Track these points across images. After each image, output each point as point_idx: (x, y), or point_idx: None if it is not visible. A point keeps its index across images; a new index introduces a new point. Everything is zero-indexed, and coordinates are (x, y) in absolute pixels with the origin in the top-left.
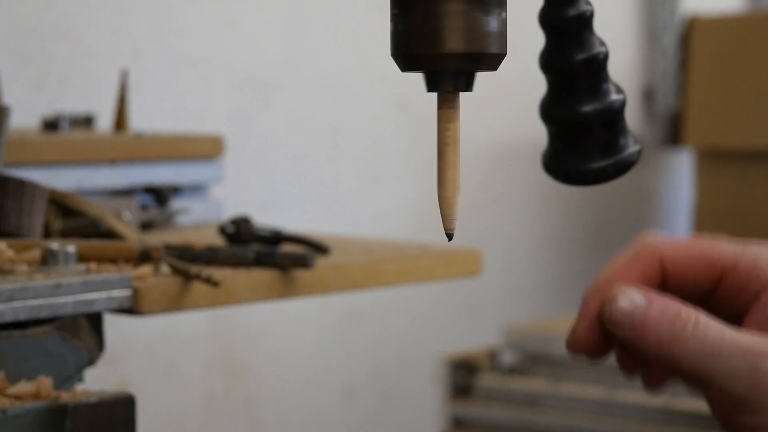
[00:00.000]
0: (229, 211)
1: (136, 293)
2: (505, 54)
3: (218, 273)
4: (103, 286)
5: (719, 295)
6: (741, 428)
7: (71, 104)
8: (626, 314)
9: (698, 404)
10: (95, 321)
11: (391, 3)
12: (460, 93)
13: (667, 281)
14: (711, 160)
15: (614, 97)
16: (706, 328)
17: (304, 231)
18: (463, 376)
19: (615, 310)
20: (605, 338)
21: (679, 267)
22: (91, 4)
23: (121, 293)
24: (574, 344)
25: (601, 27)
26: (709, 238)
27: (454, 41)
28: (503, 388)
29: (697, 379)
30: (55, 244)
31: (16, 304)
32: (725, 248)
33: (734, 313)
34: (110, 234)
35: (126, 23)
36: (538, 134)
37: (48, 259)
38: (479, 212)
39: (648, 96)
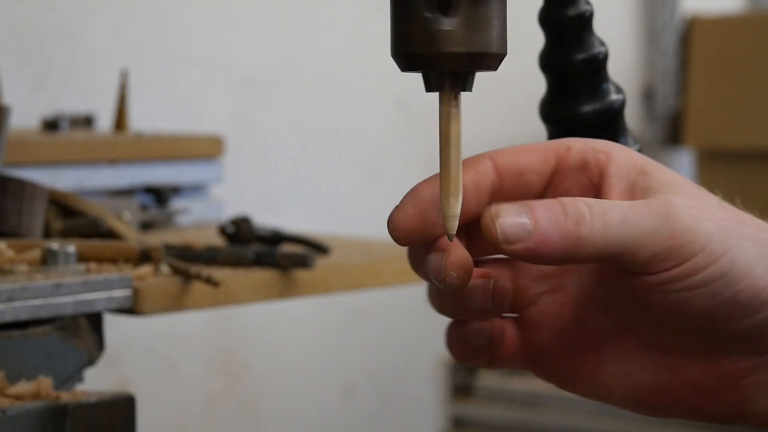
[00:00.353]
0: (229, 211)
1: (136, 293)
2: (505, 54)
3: (218, 273)
4: (103, 286)
5: (560, 178)
6: (660, 287)
7: (71, 104)
8: (519, 226)
9: None
10: (95, 321)
11: (391, 3)
12: (460, 93)
13: (503, 178)
14: (711, 160)
15: (614, 97)
16: (599, 203)
17: (304, 231)
18: (463, 376)
19: (505, 226)
20: (428, 234)
21: (511, 162)
22: (91, 4)
23: (121, 293)
24: (398, 224)
25: (601, 27)
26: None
27: (454, 41)
28: (503, 388)
29: (606, 260)
30: (55, 244)
31: (16, 304)
32: (548, 142)
33: (587, 191)
34: (110, 234)
35: (126, 23)
36: (538, 134)
37: (48, 259)
38: None
39: (648, 96)
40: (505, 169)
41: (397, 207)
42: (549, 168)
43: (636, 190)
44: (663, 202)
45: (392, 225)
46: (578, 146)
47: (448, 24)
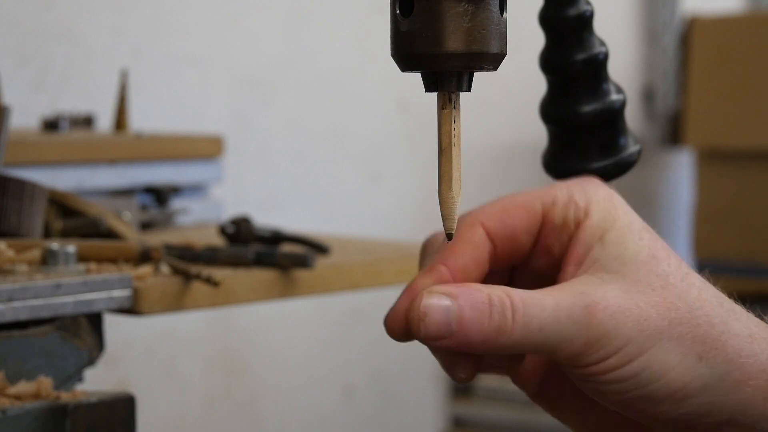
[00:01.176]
0: (229, 211)
1: (136, 293)
2: (505, 54)
3: (218, 273)
4: (103, 286)
5: (545, 235)
6: (579, 377)
7: (71, 104)
8: (442, 325)
9: None
10: (95, 321)
11: (391, 3)
12: (460, 93)
13: (495, 242)
14: (711, 160)
15: (614, 97)
16: (525, 307)
17: (304, 231)
18: None
19: (429, 325)
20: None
21: (502, 224)
22: (91, 4)
23: (121, 293)
24: (391, 323)
25: (601, 27)
26: (518, 192)
27: (454, 41)
28: (503, 388)
29: (534, 352)
30: (55, 244)
31: (16, 304)
32: (537, 190)
33: (564, 250)
34: (110, 234)
35: (126, 23)
36: (538, 134)
37: (48, 259)
38: None
39: (648, 96)
40: (497, 236)
41: (391, 307)
42: (537, 226)
43: (587, 261)
44: (586, 304)
45: (386, 325)
46: (562, 200)
47: (448, 23)
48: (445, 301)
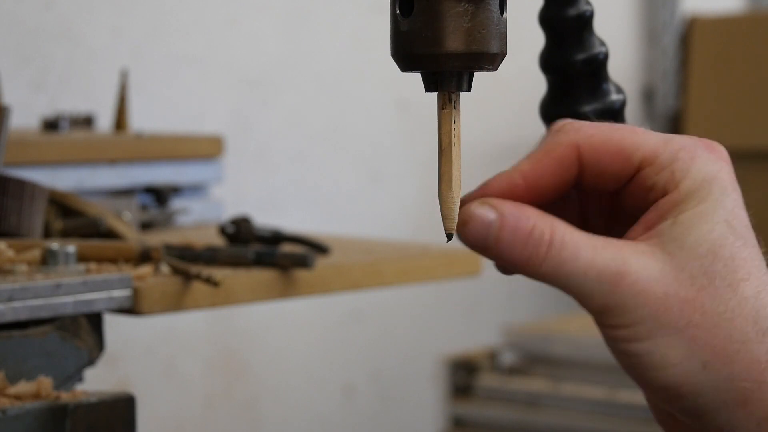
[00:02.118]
0: (229, 211)
1: (136, 293)
2: (505, 54)
3: (218, 273)
4: (103, 286)
5: (633, 187)
6: (602, 333)
7: (71, 104)
8: (479, 237)
9: None
10: (95, 321)
11: (391, 3)
12: (460, 93)
13: (584, 172)
14: None
15: (614, 97)
16: (561, 249)
17: (304, 231)
18: (463, 376)
19: (468, 234)
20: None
21: (596, 158)
22: (91, 4)
23: (121, 293)
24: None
25: (601, 27)
26: (632, 127)
27: (454, 41)
28: (503, 388)
29: (565, 291)
30: (55, 244)
31: (16, 304)
32: (646, 139)
33: (644, 207)
34: (110, 234)
35: (126, 23)
36: (538, 134)
37: (48, 259)
38: None
39: (648, 96)
40: (587, 167)
41: (468, 193)
42: (628, 176)
43: (654, 231)
44: (618, 270)
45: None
46: (662, 162)
47: (448, 23)
48: (491, 215)
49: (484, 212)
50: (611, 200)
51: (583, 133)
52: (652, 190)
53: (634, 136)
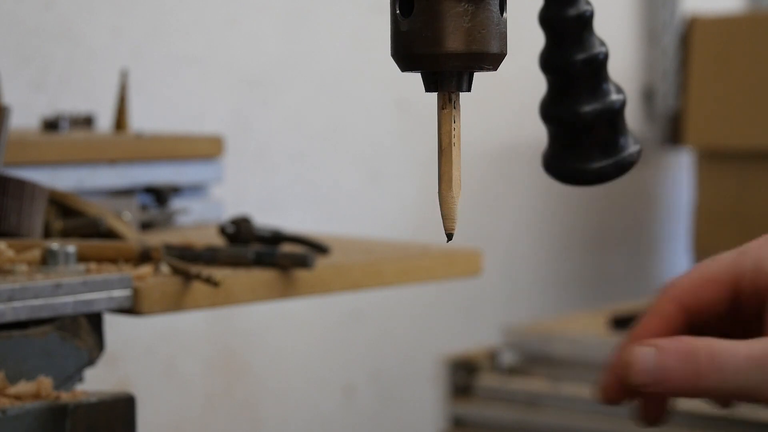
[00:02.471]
0: (229, 211)
1: (136, 293)
2: (505, 54)
3: (218, 273)
4: (103, 286)
5: (742, 305)
6: None
7: (71, 104)
8: (645, 371)
9: (698, 405)
10: (95, 321)
11: (391, 3)
12: (460, 93)
13: (692, 318)
14: (711, 160)
15: (614, 97)
16: (720, 354)
17: (304, 231)
18: (463, 376)
19: (634, 374)
20: (629, 389)
21: (696, 300)
22: (91, 4)
23: (121, 293)
24: (603, 396)
25: (601, 27)
26: (710, 261)
27: (454, 41)
28: (503, 388)
29: (732, 398)
30: (55, 244)
31: (17, 304)
32: (728, 262)
33: (758, 312)
34: (110, 234)
35: (126, 23)
36: (538, 134)
37: (48, 259)
38: (479, 212)
39: (648, 96)
40: (691, 308)
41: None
42: (728, 296)
43: None
44: None
45: (600, 391)
46: (750, 270)
47: (449, 24)
48: (649, 350)
49: (643, 349)
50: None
51: (677, 285)
52: (757, 293)
53: (718, 264)
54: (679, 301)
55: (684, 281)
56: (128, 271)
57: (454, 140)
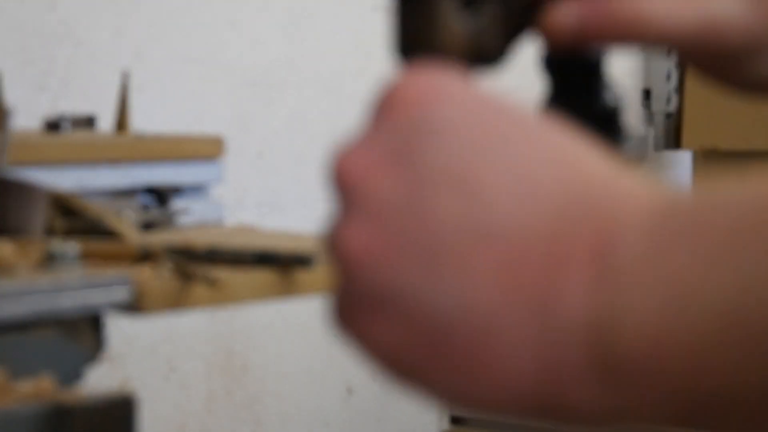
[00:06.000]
0: (229, 211)
1: (136, 293)
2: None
3: (218, 273)
4: (103, 285)
5: None
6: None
7: (73, 105)
8: (567, 23)
9: None
10: (96, 321)
11: (391, 2)
12: None
13: None
14: (709, 161)
15: (612, 97)
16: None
17: (304, 231)
18: None
19: (554, 26)
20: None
21: None
22: (93, 5)
23: (121, 293)
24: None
25: None
26: None
27: (454, 41)
28: None
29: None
30: (56, 244)
31: (18, 303)
32: None
33: None
34: (111, 234)
35: (127, 24)
36: None
37: (49, 259)
38: None
39: (646, 98)
40: None
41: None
42: None
43: None
44: None
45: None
46: None
47: (449, 23)
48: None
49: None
50: None
51: None
52: None
53: None
54: None
55: None
56: (129, 271)
57: None
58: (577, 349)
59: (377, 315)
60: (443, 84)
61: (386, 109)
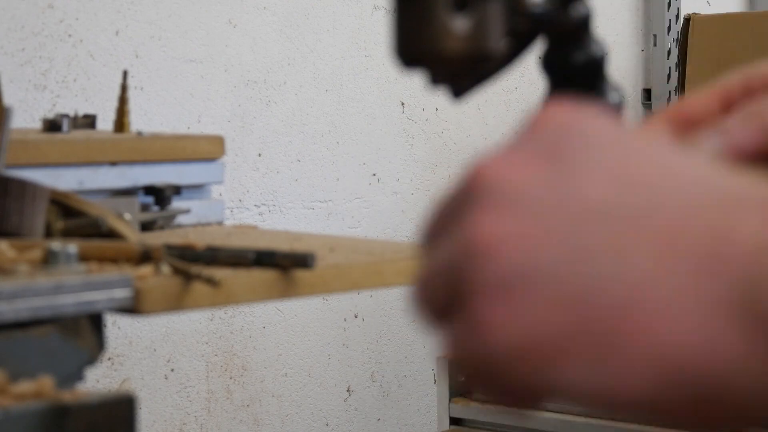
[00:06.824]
0: (229, 211)
1: (136, 293)
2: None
3: (218, 273)
4: (104, 286)
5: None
6: None
7: (72, 105)
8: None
9: None
10: (96, 321)
11: (391, 3)
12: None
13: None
14: None
15: (613, 96)
16: None
17: (304, 231)
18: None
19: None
20: None
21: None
22: (93, 5)
23: (121, 293)
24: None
25: (601, 27)
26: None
27: (454, 42)
28: None
29: None
30: (56, 244)
31: (18, 303)
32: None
33: None
34: (111, 234)
35: (127, 25)
36: None
37: (49, 259)
38: None
39: (647, 98)
40: None
41: None
42: None
43: None
44: None
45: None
46: None
47: (449, 24)
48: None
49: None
50: None
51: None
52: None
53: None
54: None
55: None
56: (129, 271)
57: None
58: (733, 313)
59: (513, 299)
60: (586, 111)
61: (533, 127)
